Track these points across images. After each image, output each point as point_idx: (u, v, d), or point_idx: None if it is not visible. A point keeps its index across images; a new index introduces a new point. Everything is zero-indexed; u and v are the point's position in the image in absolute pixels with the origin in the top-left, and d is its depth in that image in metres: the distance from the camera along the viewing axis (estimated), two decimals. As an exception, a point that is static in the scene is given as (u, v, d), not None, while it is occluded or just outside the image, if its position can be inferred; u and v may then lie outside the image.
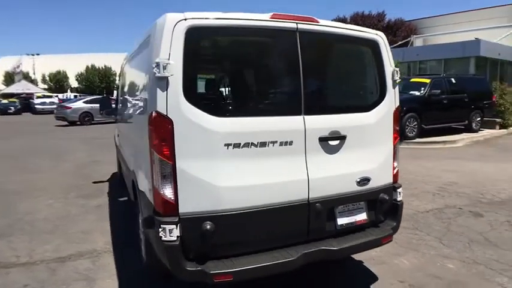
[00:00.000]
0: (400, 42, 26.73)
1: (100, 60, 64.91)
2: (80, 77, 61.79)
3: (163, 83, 2.37)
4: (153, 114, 2.42)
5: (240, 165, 2.55)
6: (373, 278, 3.48)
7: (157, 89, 2.37)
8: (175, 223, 2.42)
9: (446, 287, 3.32)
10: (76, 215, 5.43)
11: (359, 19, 31.90)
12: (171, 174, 2.43)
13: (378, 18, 29.96)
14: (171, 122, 2.39)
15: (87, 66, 62.37)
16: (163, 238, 2.41)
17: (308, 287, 3.38)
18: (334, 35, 2.94)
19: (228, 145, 2.50)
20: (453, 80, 13.14)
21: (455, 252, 4.03)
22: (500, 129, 14.51)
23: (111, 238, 4.55)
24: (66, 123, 20.86)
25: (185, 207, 2.46)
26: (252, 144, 2.56)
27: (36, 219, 5.25)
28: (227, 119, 2.52)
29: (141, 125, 2.90)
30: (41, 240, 4.49)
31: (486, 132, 13.67)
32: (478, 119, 13.53)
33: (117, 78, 6.45)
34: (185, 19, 2.41)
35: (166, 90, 2.37)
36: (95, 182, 7.43)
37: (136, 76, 3.41)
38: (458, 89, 13.03)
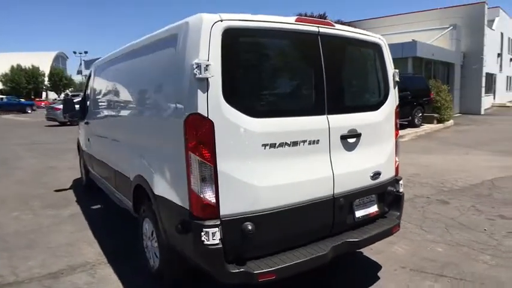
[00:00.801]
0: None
1: (27, 59, 59.84)
2: (4, 78, 56.41)
3: (203, 84, 2.33)
4: (193, 116, 2.37)
5: (276, 164, 2.60)
6: (377, 267, 3.71)
7: (198, 90, 2.33)
8: (217, 226, 2.40)
9: (442, 268, 3.64)
10: (50, 227, 5.04)
11: (301, 20, 32.76)
12: (211, 177, 2.40)
13: (319, 20, 31.12)
14: (211, 123, 2.36)
15: (12, 66, 57.17)
16: (206, 242, 2.38)
17: (321, 278, 3.50)
18: (348, 38, 3.11)
19: (265, 145, 2.54)
20: (398, 79, 14.13)
21: (438, 237, 4.42)
22: (437, 123, 15.95)
23: (100, 248, 4.30)
24: (57, 123, 20.70)
25: (226, 209, 2.44)
26: (286, 143, 2.63)
27: (6, 233, 4.78)
28: (264, 120, 2.55)
29: (166, 127, 2.81)
30: (21, 256, 4.10)
31: (426, 127, 14.94)
32: (420, 114, 14.75)
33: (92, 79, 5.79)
34: (221, 20, 2.39)
35: (207, 92, 2.34)
36: (57, 191, 6.92)
37: (148, 77, 3.25)
38: (402, 87, 14.01)
